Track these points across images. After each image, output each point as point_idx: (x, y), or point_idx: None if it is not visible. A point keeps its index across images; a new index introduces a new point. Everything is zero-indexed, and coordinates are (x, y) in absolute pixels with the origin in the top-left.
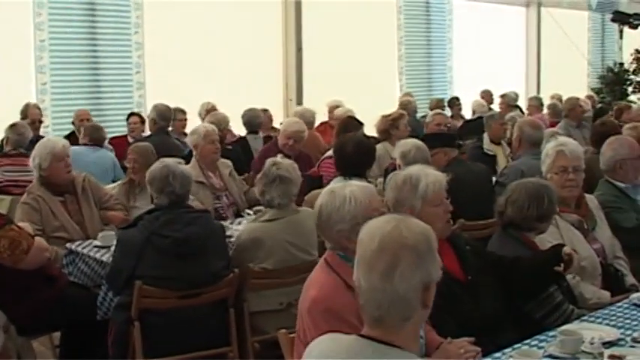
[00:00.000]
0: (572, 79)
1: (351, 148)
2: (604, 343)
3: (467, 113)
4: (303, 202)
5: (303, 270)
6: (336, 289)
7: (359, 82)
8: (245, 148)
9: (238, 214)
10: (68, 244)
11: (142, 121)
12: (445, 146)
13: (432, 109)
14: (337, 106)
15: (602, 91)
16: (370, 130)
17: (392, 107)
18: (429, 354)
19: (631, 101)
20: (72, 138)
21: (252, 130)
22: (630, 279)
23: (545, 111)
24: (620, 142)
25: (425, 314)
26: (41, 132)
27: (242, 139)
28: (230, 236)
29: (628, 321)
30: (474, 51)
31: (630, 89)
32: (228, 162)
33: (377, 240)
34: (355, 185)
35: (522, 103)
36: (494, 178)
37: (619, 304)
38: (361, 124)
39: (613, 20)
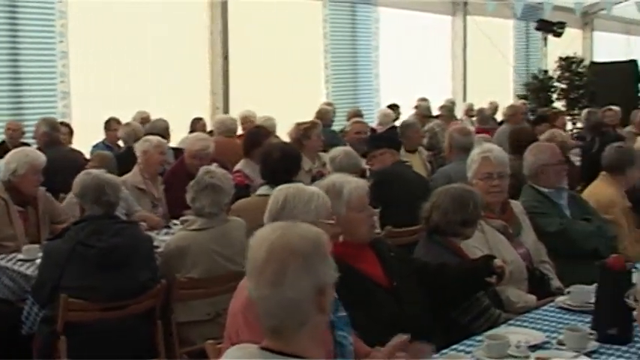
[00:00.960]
0: (498, 86)
1: (277, 155)
2: (530, 347)
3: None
4: (229, 211)
5: (231, 280)
6: None
7: (286, 91)
8: None
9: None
10: None
11: (71, 132)
12: (391, 147)
13: (349, 119)
14: (249, 117)
15: (527, 97)
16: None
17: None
18: None
19: (555, 108)
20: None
21: None
22: (556, 282)
23: (461, 117)
24: (541, 148)
25: (323, 319)
26: None
27: None
28: (157, 246)
29: (554, 324)
30: (401, 59)
31: (555, 96)
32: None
33: (264, 249)
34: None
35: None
36: None
37: (545, 307)
38: (270, 133)
39: (537, 28)
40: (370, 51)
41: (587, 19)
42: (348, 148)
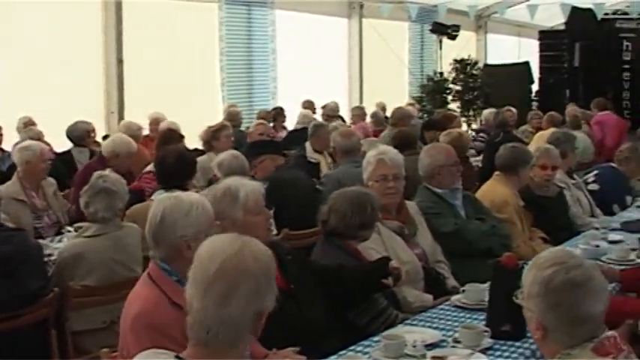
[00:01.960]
0: (394, 88)
1: (172, 159)
2: (426, 345)
3: (291, 124)
4: (124, 217)
5: (126, 287)
6: (158, 305)
7: (182, 94)
8: (69, 163)
9: (59, 233)
10: None
11: None
12: (272, 153)
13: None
14: (159, 119)
15: (423, 99)
16: (193, 142)
17: (215, 118)
18: None
19: (451, 109)
20: None
21: (78, 144)
22: (451, 281)
23: (368, 120)
24: (437, 150)
25: (254, 340)
26: None
27: (66, 152)
28: (50, 255)
29: (449, 322)
30: (298, 62)
31: (450, 97)
32: (53, 180)
33: (218, 262)
34: (200, 195)
35: (346, 112)
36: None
37: (441, 306)
38: (182, 136)
39: (432, 31)
40: (267, 54)
41: (481, 22)
42: (236, 152)
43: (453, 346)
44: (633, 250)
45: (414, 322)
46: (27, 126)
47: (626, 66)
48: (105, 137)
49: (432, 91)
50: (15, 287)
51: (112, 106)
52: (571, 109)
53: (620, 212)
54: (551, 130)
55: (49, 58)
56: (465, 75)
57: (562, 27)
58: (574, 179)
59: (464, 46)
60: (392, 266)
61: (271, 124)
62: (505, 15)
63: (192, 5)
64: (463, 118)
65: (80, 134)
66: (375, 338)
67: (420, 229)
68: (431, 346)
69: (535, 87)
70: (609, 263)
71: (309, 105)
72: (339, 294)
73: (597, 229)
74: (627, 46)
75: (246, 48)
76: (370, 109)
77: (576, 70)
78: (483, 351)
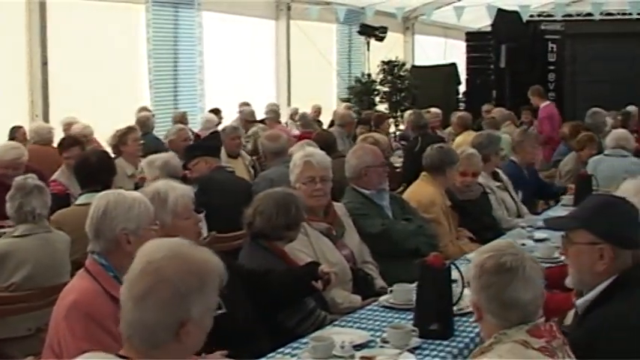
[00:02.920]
0: (322, 90)
1: (94, 159)
2: (355, 346)
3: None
4: (50, 222)
5: (53, 292)
6: (96, 296)
7: (109, 97)
8: None
9: None
10: None
11: None
12: (206, 155)
13: (175, 123)
14: (72, 123)
15: (350, 101)
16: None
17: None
18: None
19: (378, 111)
20: None
21: None
22: (379, 282)
23: (285, 121)
24: (364, 151)
25: (183, 348)
26: None
27: None
28: None
29: (377, 323)
30: (226, 64)
31: (378, 99)
32: None
33: (144, 262)
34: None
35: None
36: None
37: (369, 307)
38: (79, 142)
39: (360, 33)
40: (194, 56)
41: (408, 24)
42: (168, 154)
43: (382, 347)
44: (558, 248)
45: (343, 323)
46: None
47: (551, 67)
48: None
49: (360, 92)
50: None
51: (36, 110)
52: (488, 108)
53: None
54: (471, 132)
55: None
56: (393, 76)
57: (488, 29)
58: (499, 181)
59: (391, 47)
60: (322, 270)
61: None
62: (432, 17)
63: (118, 6)
64: (391, 120)
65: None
66: (304, 340)
67: (348, 230)
68: (359, 347)
69: (462, 88)
70: None
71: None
72: (267, 298)
73: (524, 227)
74: (552, 47)
75: (173, 50)
76: (300, 110)
77: (502, 72)
78: (411, 350)
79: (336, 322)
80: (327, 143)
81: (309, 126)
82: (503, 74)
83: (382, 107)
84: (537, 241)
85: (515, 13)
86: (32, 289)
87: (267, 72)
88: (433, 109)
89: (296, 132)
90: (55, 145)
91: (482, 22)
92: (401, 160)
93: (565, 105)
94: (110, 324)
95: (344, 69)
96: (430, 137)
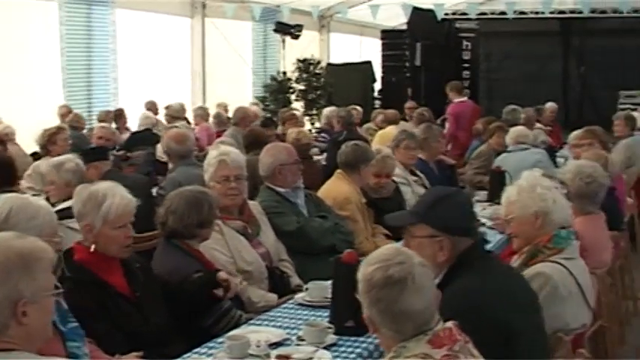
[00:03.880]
0: (237, 88)
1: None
2: (270, 345)
3: (135, 124)
4: None
5: None
6: None
7: (22, 95)
8: None
9: None
10: None
11: None
12: (94, 161)
13: (100, 122)
14: None
15: (266, 99)
16: (34, 145)
17: (57, 120)
18: None
19: (294, 109)
20: None
21: None
22: (295, 280)
23: (210, 120)
24: (278, 149)
25: (26, 330)
26: None
27: None
28: None
29: (293, 321)
30: (140, 62)
31: (293, 97)
32: None
33: None
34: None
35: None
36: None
37: (285, 305)
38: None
39: (276, 31)
40: (107, 54)
41: (324, 22)
42: (71, 156)
43: (298, 344)
44: None
45: (259, 322)
46: None
47: (466, 65)
48: None
49: (276, 90)
50: None
51: None
52: (410, 105)
53: None
54: (393, 129)
55: None
56: (309, 74)
57: (404, 27)
58: (417, 176)
59: (307, 45)
60: (220, 278)
61: (114, 126)
62: (347, 15)
63: (31, 3)
64: (307, 117)
65: None
66: (219, 339)
67: (264, 228)
68: (275, 345)
69: (378, 86)
70: None
71: (151, 106)
72: (176, 306)
73: None
74: (467, 45)
75: (87, 48)
76: (213, 109)
77: (418, 69)
78: (327, 348)
79: (252, 321)
80: (258, 140)
81: (224, 125)
82: (419, 72)
83: (298, 105)
84: None
85: (430, 11)
86: None
87: (183, 70)
88: (358, 107)
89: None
90: None
91: (398, 20)
92: (318, 157)
93: (480, 102)
94: None
95: (259, 67)
96: (356, 135)
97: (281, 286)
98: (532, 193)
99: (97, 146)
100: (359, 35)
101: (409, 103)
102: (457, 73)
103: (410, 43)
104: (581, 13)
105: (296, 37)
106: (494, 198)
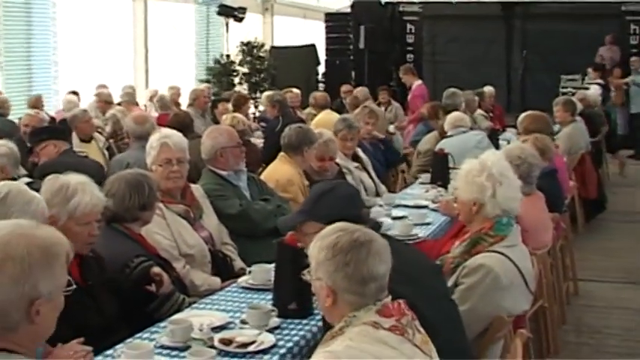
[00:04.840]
0: (180, 70)
1: None
2: (214, 328)
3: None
4: None
5: None
6: None
7: None
8: None
9: None
10: None
11: None
12: (54, 139)
13: (30, 107)
14: None
15: (209, 82)
16: None
17: None
18: None
19: (238, 91)
20: None
21: None
22: (239, 263)
23: (144, 103)
24: (219, 132)
25: (36, 329)
26: None
27: None
28: None
29: (237, 304)
30: (82, 45)
31: (237, 80)
32: None
33: None
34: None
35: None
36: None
37: (228, 288)
38: None
39: (219, 13)
40: (48, 36)
41: (268, 5)
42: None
43: (241, 328)
44: (415, 225)
45: (202, 306)
46: None
47: (410, 48)
48: None
49: (219, 73)
50: None
51: None
52: (346, 88)
53: None
54: (329, 112)
55: None
56: (252, 57)
57: (348, 10)
58: (357, 162)
59: (251, 28)
60: (153, 272)
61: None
62: None
63: None
64: (251, 101)
65: None
66: (162, 324)
67: (206, 212)
68: (218, 329)
69: (321, 69)
70: None
71: (101, 89)
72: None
73: (382, 206)
74: (411, 29)
75: (26, 31)
76: (159, 92)
77: (362, 52)
78: (271, 330)
79: (195, 305)
80: (182, 124)
81: (166, 108)
82: (362, 55)
83: (241, 88)
84: (395, 219)
85: None
86: None
87: (125, 53)
88: (294, 90)
89: (155, 114)
90: None
91: (342, 3)
92: (261, 141)
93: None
94: None
95: (202, 50)
96: (291, 118)
97: (224, 270)
98: (476, 178)
99: (55, 125)
100: (303, 18)
101: (345, 87)
102: (401, 57)
103: (354, 26)
104: None
105: (240, 19)
106: (437, 180)
